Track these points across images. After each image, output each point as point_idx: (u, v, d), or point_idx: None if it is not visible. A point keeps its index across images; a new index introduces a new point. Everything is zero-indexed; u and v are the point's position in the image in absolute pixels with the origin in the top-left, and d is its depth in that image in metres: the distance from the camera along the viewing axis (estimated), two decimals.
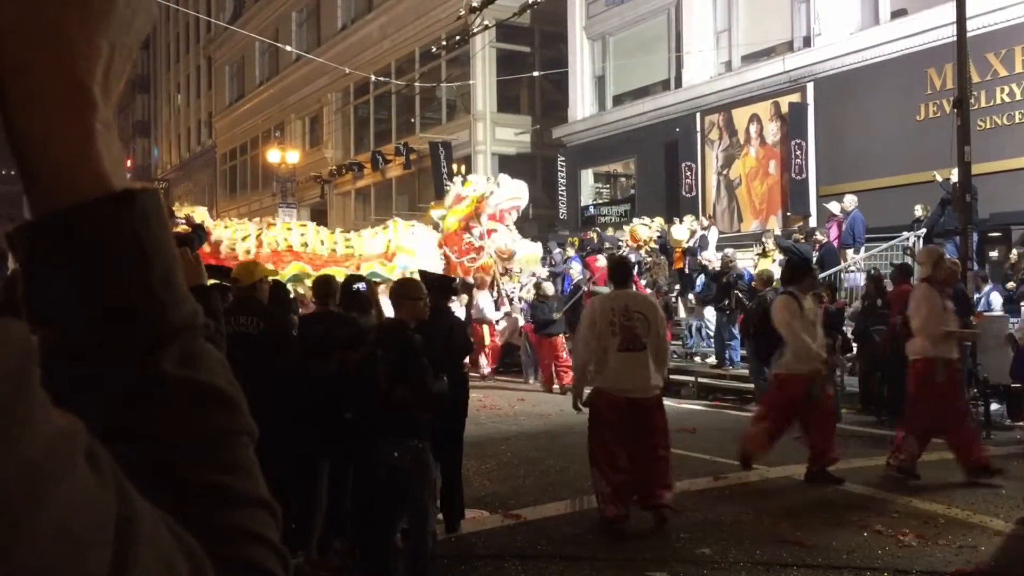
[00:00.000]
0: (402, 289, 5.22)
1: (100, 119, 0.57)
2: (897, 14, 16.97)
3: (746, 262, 15.29)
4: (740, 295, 13.27)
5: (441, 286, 7.14)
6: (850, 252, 14.96)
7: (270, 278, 6.13)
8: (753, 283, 13.43)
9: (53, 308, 0.56)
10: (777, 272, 13.74)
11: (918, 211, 14.49)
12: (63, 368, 0.56)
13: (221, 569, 0.55)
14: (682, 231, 17.09)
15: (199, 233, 8.81)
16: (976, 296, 11.90)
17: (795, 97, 18.45)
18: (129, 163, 61.73)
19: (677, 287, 17.00)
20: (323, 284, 6.65)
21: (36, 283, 0.56)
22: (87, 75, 0.56)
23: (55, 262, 0.56)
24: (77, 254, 0.56)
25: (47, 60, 0.55)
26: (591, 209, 24.43)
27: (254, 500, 0.61)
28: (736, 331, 13.90)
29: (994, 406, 10.68)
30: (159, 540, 0.52)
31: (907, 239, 14.13)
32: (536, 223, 23.68)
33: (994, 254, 14.79)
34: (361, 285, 6.63)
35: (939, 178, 13.56)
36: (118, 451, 0.52)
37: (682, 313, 16.90)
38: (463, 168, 26.70)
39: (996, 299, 12.69)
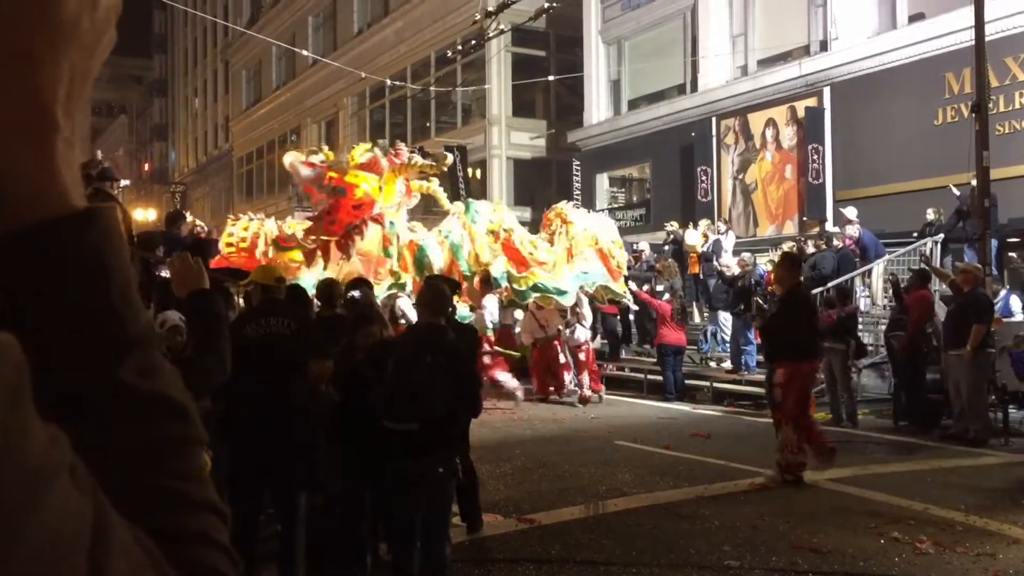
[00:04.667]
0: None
1: (61, 138, 0.59)
2: (915, 18, 16.88)
3: (762, 267, 15.22)
4: (760, 301, 13.22)
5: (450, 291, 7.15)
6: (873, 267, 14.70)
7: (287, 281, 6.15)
8: (771, 287, 13.39)
9: (15, 320, 0.58)
10: None
11: (930, 215, 14.40)
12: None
13: (178, 571, 0.58)
14: (695, 236, 17.05)
15: (214, 244, 8.91)
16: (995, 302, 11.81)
17: (812, 101, 18.38)
18: (147, 167, 62.18)
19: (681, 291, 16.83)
20: (327, 288, 6.68)
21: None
22: (50, 96, 0.58)
23: (20, 276, 0.58)
24: (42, 269, 0.58)
25: (12, 80, 0.56)
26: (606, 213, 24.40)
27: (206, 505, 0.63)
28: (752, 336, 13.85)
29: (1012, 413, 10.59)
30: (130, 551, 0.54)
31: (924, 244, 14.04)
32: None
33: (1013, 254, 14.68)
34: (356, 292, 6.68)
35: (955, 191, 13.46)
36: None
37: (697, 318, 16.86)
38: (478, 172, 26.81)
39: (1016, 303, 12.62)
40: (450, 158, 15.97)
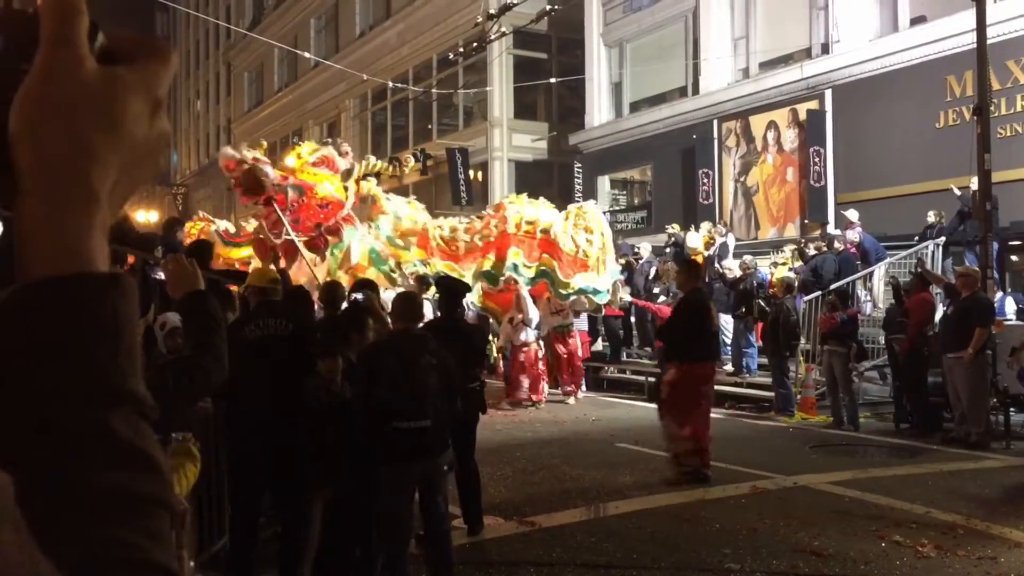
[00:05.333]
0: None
1: (101, 218, 0.68)
2: (916, 21, 16.87)
3: (765, 270, 15.22)
4: (762, 303, 13.23)
5: (454, 289, 7.18)
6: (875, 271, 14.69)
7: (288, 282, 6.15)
8: (772, 290, 13.39)
9: (24, 359, 0.63)
10: (794, 278, 13.70)
11: (931, 217, 14.39)
12: (17, 413, 0.62)
13: None
14: (696, 239, 17.04)
15: (209, 248, 8.94)
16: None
17: (813, 104, 18.37)
18: None
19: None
20: (330, 289, 6.70)
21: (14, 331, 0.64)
22: (99, 182, 0.68)
23: (43, 319, 0.64)
24: (64, 312, 0.64)
25: (72, 162, 0.67)
26: (608, 216, 24.40)
27: (162, 569, 0.64)
28: (753, 339, 13.85)
29: (1013, 416, 10.57)
30: None
31: (926, 247, 14.03)
32: None
33: (1014, 257, 14.67)
34: (359, 295, 6.71)
35: (956, 191, 13.45)
36: (47, 496, 0.59)
37: None
38: (479, 174, 26.82)
39: (1010, 305, 12.61)
40: (412, 162, 15.93)
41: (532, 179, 26.77)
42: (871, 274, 14.43)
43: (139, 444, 0.65)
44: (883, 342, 12.60)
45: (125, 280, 0.68)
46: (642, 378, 15.13)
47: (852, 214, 15.15)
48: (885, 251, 14.67)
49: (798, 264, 14.74)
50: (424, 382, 4.94)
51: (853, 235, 14.63)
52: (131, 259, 6.25)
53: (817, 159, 17.88)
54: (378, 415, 4.92)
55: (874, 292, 14.45)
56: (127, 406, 0.66)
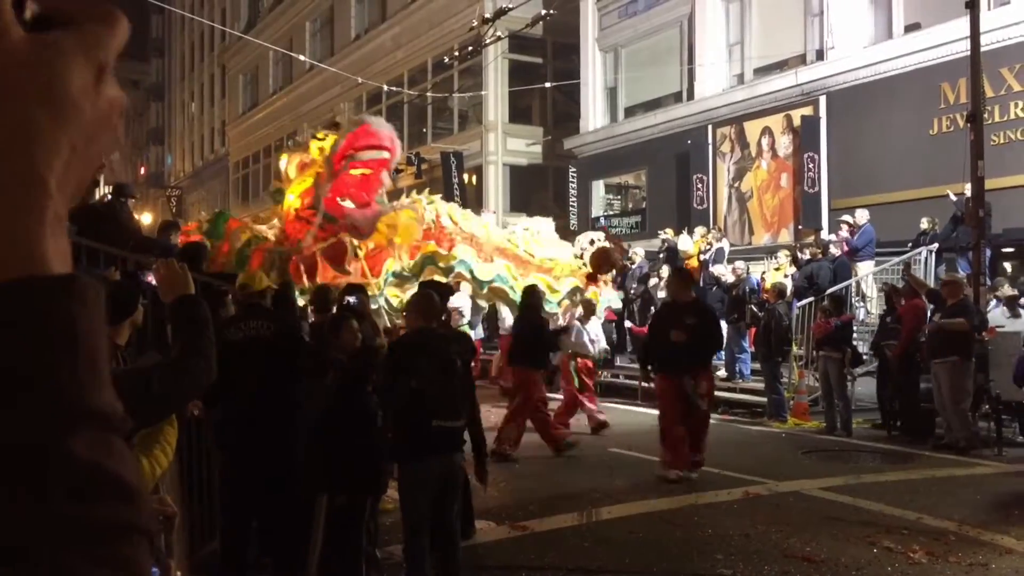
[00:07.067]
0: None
1: (52, 208, 0.59)
2: (911, 28, 16.93)
3: (757, 275, 15.24)
4: (755, 308, 13.24)
5: (439, 294, 7.19)
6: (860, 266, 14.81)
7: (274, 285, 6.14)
8: (765, 295, 13.41)
9: None
10: (790, 285, 13.73)
11: (924, 224, 14.43)
12: None
13: None
14: (687, 242, 17.06)
15: (204, 249, 8.90)
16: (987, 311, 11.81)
17: (808, 110, 18.42)
18: (143, 170, 62.16)
19: None
20: (321, 294, 6.70)
21: None
22: (46, 167, 0.59)
23: None
24: (9, 327, 0.57)
25: (11, 144, 0.58)
26: (602, 220, 24.41)
27: None
28: (746, 344, 13.86)
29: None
30: None
31: (919, 253, 14.06)
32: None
33: (1007, 265, 14.71)
34: (351, 299, 6.71)
35: (953, 197, 13.48)
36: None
37: None
38: (474, 178, 26.82)
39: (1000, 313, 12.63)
40: (407, 166, 14.99)
41: (527, 183, 26.83)
42: (865, 279, 14.48)
43: (106, 466, 0.59)
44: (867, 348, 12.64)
45: (83, 282, 0.60)
46: (634, 383, 15.12)
47: (862, 215, 15.08)
48: (874, 248, 14.75)
49: (793, 270, 14.77)
50: (455, 381, 5.06)
51: (845, 233, 14.72)
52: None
53: (811, 165, 17.92)
54: (417, 412, 4.95)
55: (867, 299, 14.49)
56: (90, 425, 0.59)
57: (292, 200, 11.61)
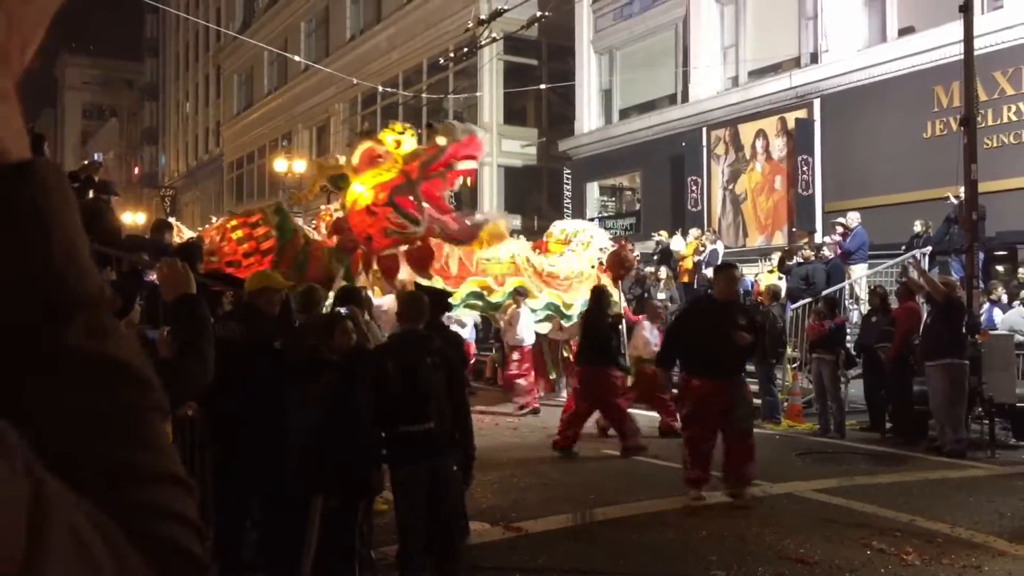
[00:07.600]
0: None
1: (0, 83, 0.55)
2: (904, 31, 16.99)
3: (747, 278, 15.26)
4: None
5: (437, 300, 7.17)
6: (854, 268, 14.86)
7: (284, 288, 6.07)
8: (759, 298, 13.42)
9: None
10: (784, 286, 13.75)
11: (917, 227, 14.47)
12: None
13: (137, 548, 0.54)
14: (680, 242, 17.07)
15: (200, 249, 8.89)
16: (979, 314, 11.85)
17: (802, 113, 18.47)
18: (137, 170, 62.01)
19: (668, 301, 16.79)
20: (305, 295, 6.66)
21: None
22: None
23: None
24: None
25: None
26: (596, 222, 24.44)
27: (167, 477, 0.59)
28: None
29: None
30: (74, 522, 0.50)
31: (912, 255, 14.10)
32: (542, 236, 23.66)
33: (1000, 268, 14.76)
34: (343, 309, 6.68)
35: (954, 199, 13.49)
36: (23, 431, 0.50)
37: None
38: (468, 180, 26.76)
39: (998, 316, 12.68)
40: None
41: (521, 185, 26.85)
42: (858, 282, 14.51)
43: (104, 351, 0.57)
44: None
45: (41, 168, 0.56)
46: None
47: (853, 217, 15.13)
48: (867, 251, 14.78)
49: (775, 277, 14.79)
50: (427, 384, 5.00)
51: (838, 236, 14.77)
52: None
53: (805, 168, 17.97)
54: (384, 418, 5.01)
55: (861, 301, 14.53)
56: (80, 314, 0.56)
57: (360, 191, 10.76)
